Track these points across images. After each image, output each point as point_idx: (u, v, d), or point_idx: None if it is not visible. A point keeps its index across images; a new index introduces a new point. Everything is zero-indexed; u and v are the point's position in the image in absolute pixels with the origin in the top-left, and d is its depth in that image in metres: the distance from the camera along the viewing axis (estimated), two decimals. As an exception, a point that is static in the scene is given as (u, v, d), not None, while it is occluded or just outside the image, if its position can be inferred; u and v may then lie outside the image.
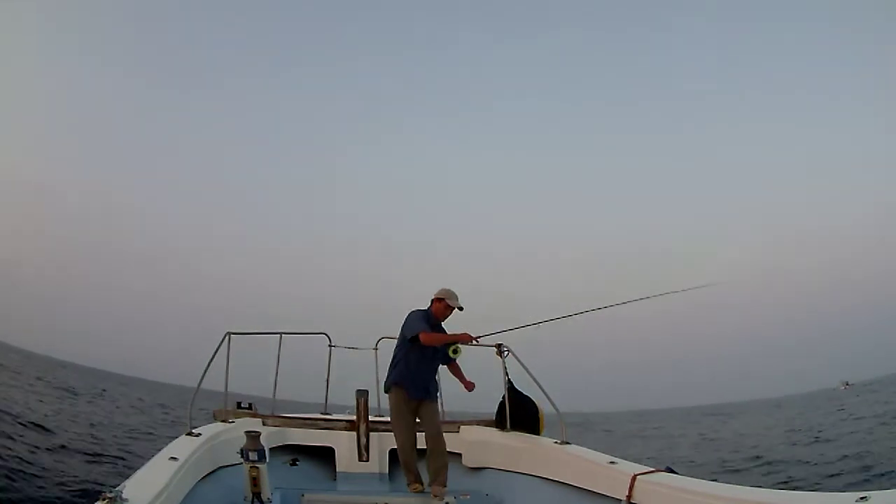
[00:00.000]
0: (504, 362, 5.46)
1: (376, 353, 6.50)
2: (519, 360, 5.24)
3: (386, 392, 5.21)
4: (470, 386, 5.33)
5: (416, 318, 5.08)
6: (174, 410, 23.89)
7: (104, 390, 31.42)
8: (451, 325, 5.30)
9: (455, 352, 5.20)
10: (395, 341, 5.27)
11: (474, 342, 5.12)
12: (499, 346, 5.40)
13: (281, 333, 6.09)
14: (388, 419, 6.22)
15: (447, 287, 5.19)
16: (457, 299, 5.12)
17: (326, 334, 6.52)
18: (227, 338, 5.30)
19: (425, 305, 5.23)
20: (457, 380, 5.39)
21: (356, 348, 6.63)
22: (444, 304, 5.11)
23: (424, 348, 5.01)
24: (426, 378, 5.15)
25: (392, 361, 5.18)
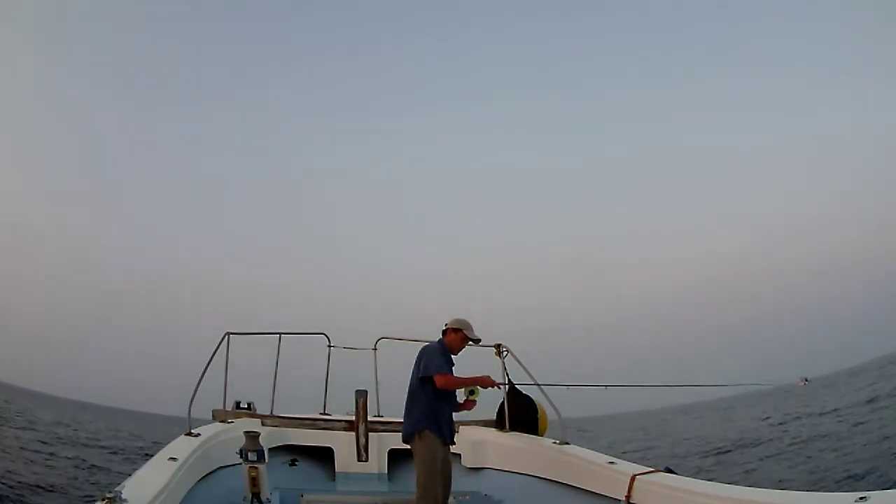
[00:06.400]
0: (503, 363, 5.46)
1: (375, 353, 6.52)
2: (518, 361, 5.24)
3: (414, 436, 4.34)
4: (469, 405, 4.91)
5: (437, 354, 4.45)
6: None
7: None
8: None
9: (472, 393, 4.67)
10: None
11: (498, 387, 4.69)
12: (498, 346, 5.40)
13: (280, 333, 6.09)
14: (384, 418, 6.23)
15: (461, 317, 4.60)
16: (472, 330, 4.57)
17: (325, 334, 6.53)
18: (226, 338, 5.31)
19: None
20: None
21: (355, 348, 6.63)
22: (460, 336, 4.52)
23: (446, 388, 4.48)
24: (450, 419, 4.55)
25: (414, 401, 4.42)
